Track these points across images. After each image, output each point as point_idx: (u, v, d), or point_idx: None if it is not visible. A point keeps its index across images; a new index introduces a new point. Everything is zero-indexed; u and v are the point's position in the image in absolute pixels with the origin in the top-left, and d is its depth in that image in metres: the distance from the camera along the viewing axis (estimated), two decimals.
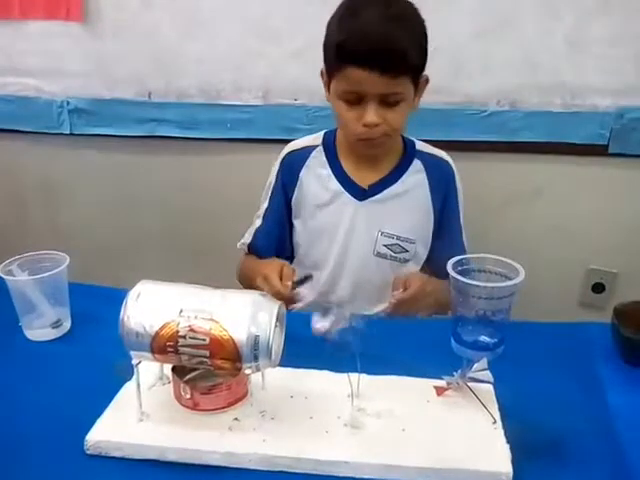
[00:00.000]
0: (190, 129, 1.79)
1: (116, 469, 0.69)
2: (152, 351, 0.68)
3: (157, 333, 0.67)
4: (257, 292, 0.70)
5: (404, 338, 0.90)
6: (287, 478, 0.67)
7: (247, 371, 0.67)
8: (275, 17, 1.65)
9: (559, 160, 1.69)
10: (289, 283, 1.00)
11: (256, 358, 0.66)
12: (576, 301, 1.86)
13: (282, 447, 0.67)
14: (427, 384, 0.76)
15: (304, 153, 1.26)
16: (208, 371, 0.74)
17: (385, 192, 1.21)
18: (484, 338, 0.85)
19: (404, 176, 1.22)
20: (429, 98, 1.66)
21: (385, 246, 1.22)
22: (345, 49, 1.04)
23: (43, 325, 0.95)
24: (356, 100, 1.07)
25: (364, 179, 1.22)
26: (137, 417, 0.72)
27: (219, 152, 1.83)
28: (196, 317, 0.66)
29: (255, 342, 0.65)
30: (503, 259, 0.85)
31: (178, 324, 0.66)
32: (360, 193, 1.21)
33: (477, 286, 0.81)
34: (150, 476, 0.68)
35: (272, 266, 1.06)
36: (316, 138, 1.27)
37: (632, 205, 1.70)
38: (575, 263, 1.79)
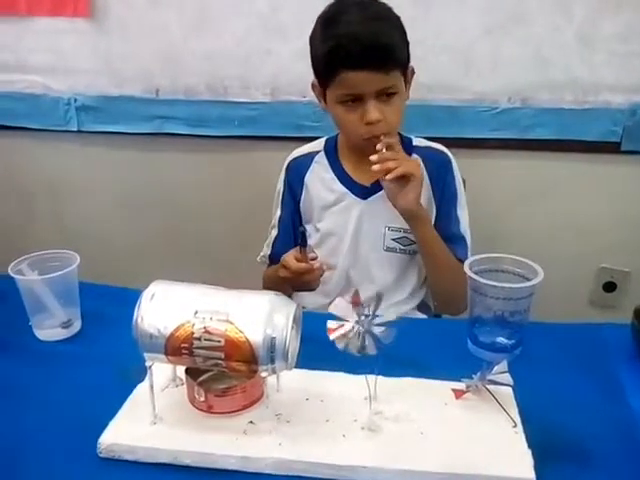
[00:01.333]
0: (198, 126, 1.79)
1: (129, 472, 0.67)
2: (166, 353, 0.67)
3: (172, 335, 0.65)
4: (273, 293, 0.69)
5: (421, 339, 0.88)
6: None
7: (263, 374, 0.66)
8: (283, 13, 1.64)
9: (571, 157, 1.68)
10: (310, 255, 1.05)
11: (272, 360, 0.65)
12: (587, 300, 1.84)
13: (298, 451, 0.66)
14: (445, 387, 0.74)
15: (307, 159, 1.28)
16: (222, 373, 0.72)
17: None
18: (501, 339, 0.84)
19: None
20: (439, 95, 1.69)
21: (393, 240, 1.23)
22: (336, 55, 1.06)
23: (53, 325, 0.94)
24: (354, 102, 1.09)
25: (366, 178, 1.22)
26: (150, 420, 0.70)
27: (227, 149, 1.82)
28: (211, 318, 0.65)
29: (271, 344, 0.64)
30: (521, 259, 0.84)
31: (193, 325, 0.65)
32: (364, 192, 1.23)
33: (495, 286, 0.80)
34: None
35: (287, 254, 1.09)
36: (318, 144, 1.30)
37: None
38: (586, 261, 1.78)
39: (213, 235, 1.89)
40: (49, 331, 0.94)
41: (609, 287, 1.81)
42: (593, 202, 1.72)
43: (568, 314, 1.02)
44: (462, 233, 1.25)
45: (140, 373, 0.73)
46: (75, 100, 1.81)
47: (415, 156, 1.23)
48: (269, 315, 0.65)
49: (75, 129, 1.84)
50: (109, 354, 0.87)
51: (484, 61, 1.62)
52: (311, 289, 1.17)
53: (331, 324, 0.66)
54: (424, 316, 1.30)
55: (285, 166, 1.31)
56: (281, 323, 0.65)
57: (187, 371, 0.73)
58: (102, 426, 0.70)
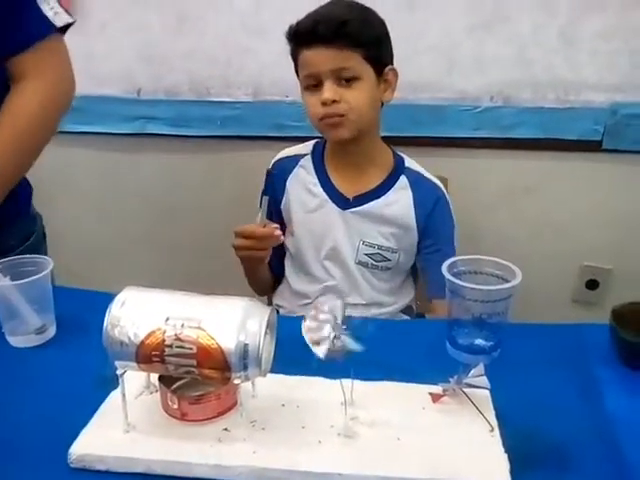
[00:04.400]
0: (180, 126, 1.78)
1: None
2: (137, 361, 0.65)
3: (142, 342, 0.64)
4: (247, 298, 0.68)
5: (398, 341, 0.87)
6: None
7: (236, 381, 0.65)
8: (264, 12, 1.64)
9: (553, 156, 1.69)
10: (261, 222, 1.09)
11: (245, 367, 0.64)
12: (570, 298, 1.85)
13: (273, 459, 0.65)
14: (422, 390, 0.73)
15: (292, 161, 1.29)
16: (197, 380, 0.71)
17: (368, 205, 1.22)
18: (480, 341, 0.84)
19: (389, 192, 1.23)
20: (422, 94, 1.69)
21: (366, 255, 1.24)
22: (295, 34, 1.13)
23: (27, 331, 0.92)
24: (316, 85, 1.12)
25: (350, 190, 1.23)
26: (123, 428, 0.69)
27: (209, 149, 1.82)
28: (183, 325, 0.64)
29: (244, 351, 0.63)
30: (499, 260, 0.83)
31: (164, 332, 0.64)
32: (343, 202, 1.23)
33: (473, 289, 0.80)
34: None
35: (245, 225, 1.12)
36: (306, 147, 1.31)
37: (626, 201, 1.70)
38: (569, 260, 1.79)
39: (195, 236, 1.88)
40: (22, 337, 0.92)
41: (592, 285, 1.82)
42: (575, 200, 1.73)
43: (551, 312, 1.02)
44: None
45: (115, 380, 0.71)
46: None
47: (403, 178, 1.23)
48: (242, 321, 0.64)
49: None
50: (84, 361, 0.85)
51: (467, 60, 1.63)
52: (261, 261, 1.20)
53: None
54: (407, 318, 1.30)
55: (270, 166, 1.30)
56: (254, 329, 0.64)
57: (161, 378, 0.72)
58: (74, 435, 0.69)
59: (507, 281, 0.80)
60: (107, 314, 0.66)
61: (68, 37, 1.71)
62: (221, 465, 0.65)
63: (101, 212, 1.92)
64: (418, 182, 1.24)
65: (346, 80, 1.11)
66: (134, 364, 0.66)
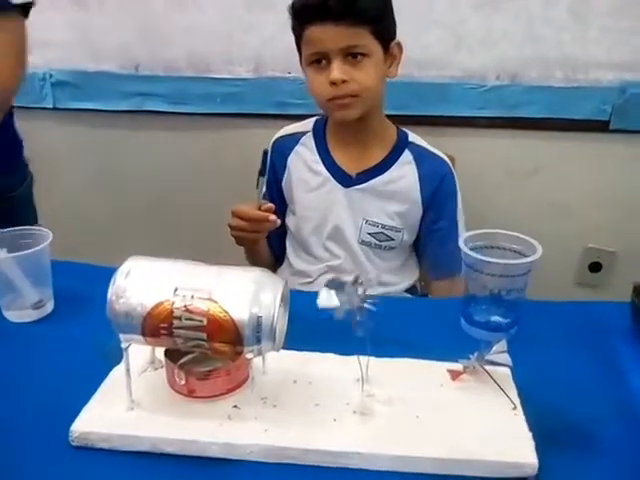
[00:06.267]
0: (179, 103, 1.74)
1: (104, 462, 0.63)
2: (143, 334, 0.62)
3: (149, 314, 0.60)
4: (259, 269, 0.64)
5: (413, 318, 0.84)
6: (292, 470, 0.61)
7: (248, 355, 0.61)
8: None
9: (559, 136, 1.66)
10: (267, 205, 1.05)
11: (258, 341, 0.60)
12: (573, 280, 1.83)
13: (286, 437, 0.62)
14: (440, 368, 0.70)
15: (293, 139, 1.26)
16: (204, 355, 0.68)
17: (371, 182, 1.19)
18: (497, 318, 0.81)
19: (392, 167, 1.19)
20: (427, 72, 1.65)
21: (369, 234, 1.21)
22: (301, 9, 1.07)
23: (23, 306, 0.88)
24: (322, 63, 1.08)
25: (353, 167, 1.20)
26: (127, 405, 0.66)
27: (209, 127, 1.77)
28: (192, 296, 0.60)
29: (257, 323, 0.59)
30: (518, 235, 0.80)
31: (173, 304, 0.60)
32: (346, 180, 1.20)
33: (491, 263, 0.77)
34: (142, 469, 0.62)
35: (240, 205, 1.09)
36: (307, 124, 1.27)
37: (632, 183, 1.67)
38: (573, 241, 1.77)
39: (195, 215, 1.84)
40: (19, 312, 0.89)
41: (595, 267, 1.80)
42: (581, 182, 1.71)
43: (554, 294, 1.00)
44: (459, 245, 1.24)
45: (116, 356, 0.67)
46: (50, 76, 1.75)
47: (407, 153, 1.20)
48: (255, 293, 0.60)
49: (51, 106, 1.78)
50: (83, 336, 0.82)
51: (474, 37, 1.59)
52: (254, 243, 1.18)
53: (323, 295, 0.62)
54: (410, 296, 1.27)
55: (270, 145, 1.27)
56: (268, 301, 0.60)
57: (167, 353, 0.68)
58: (75, 413, 0.66)
59: (525, 255, 0.77)
60: (111, 284, 0.63)
61: (64, 10, 1.68)
62: (231, 444, 0.62)
63: (99, 190, 1.88)
64: (423, 157, 1.20)
65: (353, 57, 1.06)
66: (140, 337, 0.63)
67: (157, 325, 0.61)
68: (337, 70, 1.05)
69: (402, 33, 1.15)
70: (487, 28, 1.57)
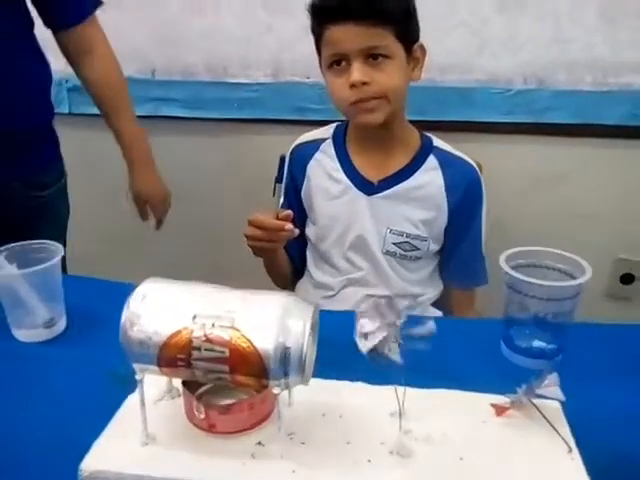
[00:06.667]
0: (196, 108, 1.71)
1: None
2: (159, 364, 0.57)
3: (166, 343, 0.55)
4: (287, 293, 0.59)
5: (449, 340, 0.77)
6: None
7: (275, 390, 0.56)
8: None
9: (588, 142, 1.60)
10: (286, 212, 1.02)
11: (286, 374, 0.54)
12: (603, 292, 1.77)
13: (316, 479, 0.56)
14: (482, 400, 0.64)
15: (313, 146, 1.22)
16: (226, 384, 0.62)
17: (395, 188, 1.14)
18: (539, 343, 0.75)
19: (417, 173, 1.15)
20: (450, 76, 1.60)
21: (394, 244, 1.16)
22: (321, 8, 1.03)
23: (34, 324, 0.84)
24: (342, 65, 1.04)
25: (374, 174, 1.16)
26: (141, 440, 0.60)
27: (226, 133, 1.74)
28: (213, 325, 0.54)
29: (285, 355, 0.54)
30: (565, 254, 0.74)
31: (191, 332, 0.55)
32: (368, 187, 1.15)
33: (534, 284, 0.71)
34: None
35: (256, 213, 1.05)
36: (326, 130, 1.23)
37: None
38: (603, 252, 1.70)
39: (211, 223, 1.81)
40: (29, 331, 0.84)
41: (627, 279, 1.73)
42: (610, 190, 1.65)
43: (583, 307, 0.94)
44: (483, 254, 1.20)
45: (131, 382, 0.62)
46: (67, 81, 1.71)
47: (432, 158, 1.15)
48: (282, 320, 0.55)
49: (67, 111, 1.76)
50: (97, 358, 0.77)
51: (499, 39, 1.54)
52: (271, 253, 1.14)
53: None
54: (439, 312, 1.21)
55: (289, 152, 1.23)
56: (296, 330, 0.54)
57: (184, 382, 0.63)
58: (86, 447, 0.60)
59: (573, 276, 0.71)
60: (125, 309, 0.58)
61: None
62: None
63: (115, 197, 1.84)
64: (449, 161, 1.16)
65: (374, 59, 1.02)
66: (155, 368, 0.57)
67: (174, 356, 0.55)
68: (357, 72, 1.01)
69: (423, 36, 1.11)
70: (512, 30, 1.53)
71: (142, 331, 0.56)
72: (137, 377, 0.59)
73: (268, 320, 0.55)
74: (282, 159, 1.09)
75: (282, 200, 1.21)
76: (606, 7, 1.47)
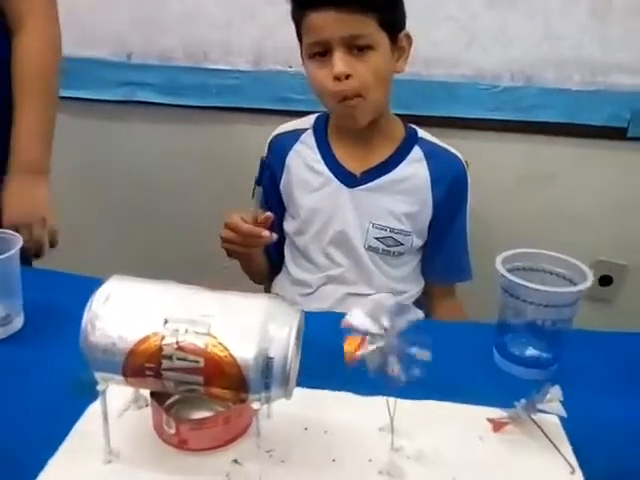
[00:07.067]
0: (172, 94, 1.64)
1: None
2: (124, 374, 0.50)
3: (132, 350, 0.49)
4: (269, 296, 0.53)
5: (439, 346, 0.73)
6: None
7: (255, 405, 0.50)
8: None
9: (574, 143, 1.57)
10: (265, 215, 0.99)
11: (267, 387, 0.49)
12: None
13: None
14: (478, 415, 0.59)
15: (292, 137, 1.18)
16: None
17: (378, 180, 1.11)
18: (533, 351, 0.71)
19: (401, 164, 1.11)
20: (436, 70, 1.56)
21: (377, 239, 1.12)
22: None
23: None
24: (323, 56, 1.00)
25: (357, 166, 1.12)
26: (103, 457, 0.54)
27: (204, 121, 1.68)
28: (187, 330, 0.48)
29: (267, 366, 0.48)
30: (565, 257, 0.70)
31: (162, 339, 0.49)
32: (350, 180, 1.11)
33: (530, 289, 0.66)
34: None
35: (232, 215, 1.01)
36: (307, 120, 1.20)
37: None
38: (583, 253, 1.66)
39: (187, 215, 1.75)
40: None
41: (605, 281, 1.72)
42: (594, 191, 1.63)
43: None
44: (468, 248, 1.18)
45: (93, 389, 0.56)
46: None
47: (417, 149, 1.12)
48: (264, 326, 0.49)
49: None
50: (56, 361, 0.71)
51: (487, 34, 1.50)
52: (246, 257, 1.11)
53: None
54: (421, 312, 1.17)
55: (267, 143, 1.19)
56: (280, 337, 0.49)
57: (153, 393, 0.57)
58: (40, 464, 0.54)
59: (573, 282, 0.67)
60: (86, 310, 0.51)
61: None
62: None
63: (82, 186, 1.79)
64: (434, 153, 1.13)
65: (358, 49, 0.98)
66: (120, 377, 0.51)
67: (142, 365, 0.49)
68: (340, 62, 0.97)
69: (408, 27, 1.06)
70: (501, 25, 1.49)
71: (105, 336, 0.50)
72: (99, 388, 0.52)
73: (249, 326, 0.49)
74: (262, 161, 1.04)
75: (260, 201, 1.16)
76: (596, 5, 1.45)
